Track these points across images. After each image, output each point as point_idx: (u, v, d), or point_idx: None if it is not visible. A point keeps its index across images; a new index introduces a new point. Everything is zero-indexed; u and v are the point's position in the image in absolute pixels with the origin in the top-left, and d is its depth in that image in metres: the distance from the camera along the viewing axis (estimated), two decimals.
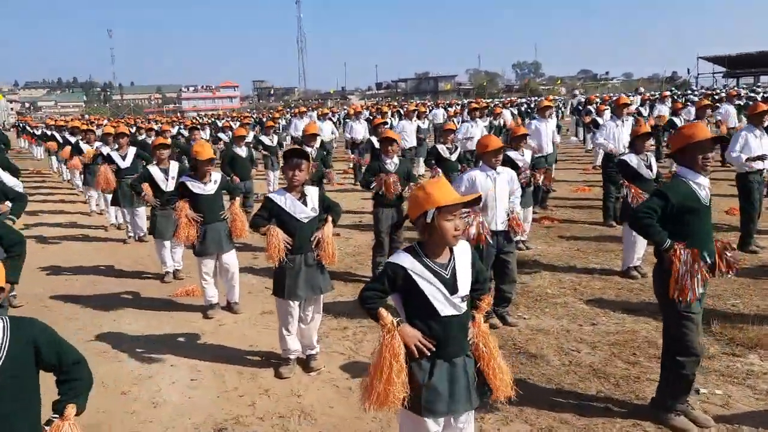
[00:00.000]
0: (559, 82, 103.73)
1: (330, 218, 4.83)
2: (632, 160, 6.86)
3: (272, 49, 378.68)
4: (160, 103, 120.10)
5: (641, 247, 6.90)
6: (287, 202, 4.70)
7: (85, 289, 7.40)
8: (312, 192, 4.82)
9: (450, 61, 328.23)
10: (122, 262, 8.62)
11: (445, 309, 2.82)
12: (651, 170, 6.81)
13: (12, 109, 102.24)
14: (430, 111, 25.40)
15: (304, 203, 4.72)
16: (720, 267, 3.75)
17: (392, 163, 6.79)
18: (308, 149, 8.12)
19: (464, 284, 2.87)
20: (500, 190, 5.57)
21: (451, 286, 2.83)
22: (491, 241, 5.51)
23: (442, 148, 9.20)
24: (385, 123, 13.10)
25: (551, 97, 37.73)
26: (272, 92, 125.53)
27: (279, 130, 21.23)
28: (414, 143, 13.77)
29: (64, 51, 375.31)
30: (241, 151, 10.28)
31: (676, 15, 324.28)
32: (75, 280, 7.83)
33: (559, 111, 32.83)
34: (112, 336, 5.87)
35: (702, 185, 3.78)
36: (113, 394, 4.68)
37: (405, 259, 2.84)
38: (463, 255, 2.93)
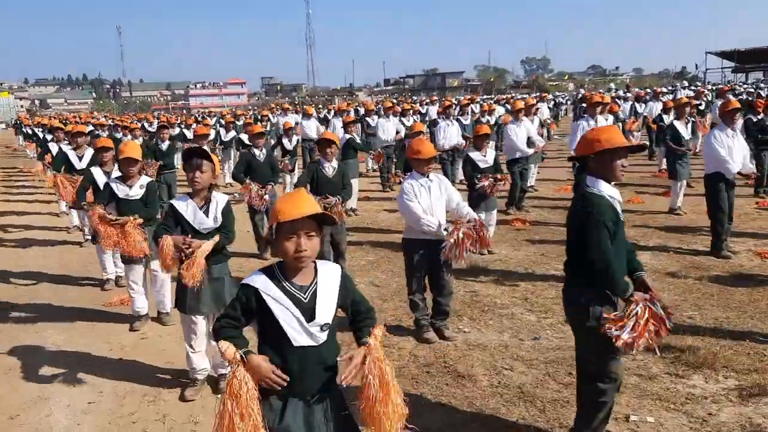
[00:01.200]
0: (567, 77, 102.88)
1: (218, 238, 4.29)
2: None
3: (281, 46, 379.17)
4: (168, 99, 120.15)
5: None
6: (188, 209, 4.34)
7: (20, 297, 7.08)
8: (220, 200, 4.45)
9: (459, 58, 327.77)
10: (70, 266, 8.32)
11: (299, 338, 2.48)
12: None
13: (21, 106, 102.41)
14: (425, 108, 24.94)
15: (207, 212, 4.36)
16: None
17: (330, 167, 6.38)
18: (255, 150, 7.75)
19: (325, 312, 2.51)
20: (435, 198, 5.20)
21: (309, 312, 2.48)
22: (425, 251, 5.19)
23: None
24: (355, 122, 12.67)
25: (533, 95, 36.94)
26: (279, 89, 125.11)
27: (268, 128, 20.86)
28: (391, 141, 13.36)
29: (74, 48, 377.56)
30: None
31: (688, 10, 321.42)
32: (12, 288, 7.51)
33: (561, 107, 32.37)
34: (27, 350, 5.54)
35: (614, 197, 3.33)
36: (1, 419, 4.35)
37: (258, 280, 2.51)
38: (329, 279, 2.57)
